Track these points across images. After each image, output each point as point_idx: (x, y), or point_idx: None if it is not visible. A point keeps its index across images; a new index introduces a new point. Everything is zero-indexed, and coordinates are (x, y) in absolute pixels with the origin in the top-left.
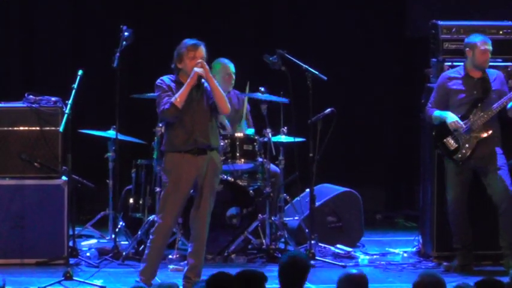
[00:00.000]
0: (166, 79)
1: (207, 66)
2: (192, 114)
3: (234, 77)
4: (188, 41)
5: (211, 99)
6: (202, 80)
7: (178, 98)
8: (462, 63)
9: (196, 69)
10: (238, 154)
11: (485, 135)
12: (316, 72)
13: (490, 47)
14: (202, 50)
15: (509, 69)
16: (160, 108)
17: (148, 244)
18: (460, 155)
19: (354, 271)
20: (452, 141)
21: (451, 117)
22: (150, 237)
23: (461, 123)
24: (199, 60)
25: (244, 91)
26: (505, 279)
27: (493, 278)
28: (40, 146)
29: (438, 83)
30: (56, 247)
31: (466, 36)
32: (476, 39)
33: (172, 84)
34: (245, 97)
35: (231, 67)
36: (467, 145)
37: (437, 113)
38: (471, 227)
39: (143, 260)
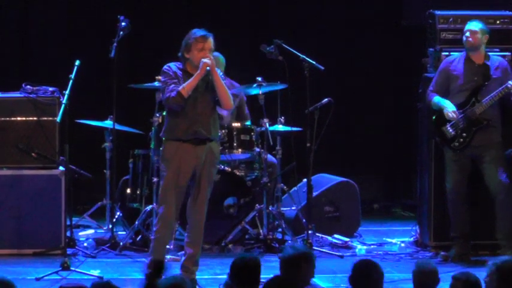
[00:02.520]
0: (173, 66)
1: (213, 61)
2: (195, 104)
3: (221, 67)
4: (197, 32)
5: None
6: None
7: (187, 87)
8: (459, 53)
9: (204, 59)
10: (235, 144)
11: (483, 123)
12: (313, 62)
13: (472, 27)
14: (210, 41)
15: (506, 58)
16: (165, 95)
17: (152, 237)
18: (457, 143)
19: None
20: (450, 130)
21: (448, 107)
22: (153, 229)
23: (457, 114)
24: (207, 55)
25: (241, 82)
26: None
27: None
28: (37, 136)
29: (440, 67)
30: (53, 237)
31: (463, 26)
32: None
33: (179, 72)
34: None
35: (219, 59)
36: (464, 134)
37: (436, 99)
38: (469, 216)
39: (149, 253)
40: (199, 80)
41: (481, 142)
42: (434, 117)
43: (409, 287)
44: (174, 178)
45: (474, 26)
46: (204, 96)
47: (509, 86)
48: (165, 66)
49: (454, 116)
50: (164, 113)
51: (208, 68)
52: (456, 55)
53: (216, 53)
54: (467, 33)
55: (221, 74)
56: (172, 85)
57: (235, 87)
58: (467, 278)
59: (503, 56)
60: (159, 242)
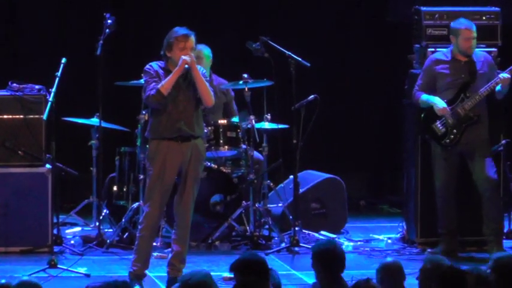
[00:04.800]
0: (155, 65)
1: (194, 58)
2: (177, 102)
3: (206, 60)
4: (179, 30)
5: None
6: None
7: (165, 84)
8: (446, 49)
9: (183, 56)
10: (221, 141)
11: (473, 120)
12: (299, 59)
13: (474, 34)
14: (192, 40)
15: (492, 54)
16: (146, 94)
17: (137, 234)
18: (448, 140)
19: (389, 259)
20: (440, 126)
21: (439, 103)
22: (139, 227)
23: (448, 110)
24: (189, 54)
25: (228, 78)
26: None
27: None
28: (24, 134)
29: (425, 66)
30: (40, 235)
31: (449, 22)
32: (460, 26)
33: (161, 71)
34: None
35: (204, 51)
36: (455, 130)
37: (424, 97)
38: (457, 213)
39: (134, 250)
40: (177, 77)
41: (470, 139)
42: (423, 115)
43: None
44: (159, 176)
45: (474, 32)
46: (185, 93)
47: (501, 78)
48: (147, 66)
49: (446, 111)
50: None
51: (187, 66)
52: (440, 52)
53: (202, 46)
54: (474, 41)
55: (203, 71)
56: (153, 84)
57: (222, 83)
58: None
59: (489, 52)
60: (144, 240)
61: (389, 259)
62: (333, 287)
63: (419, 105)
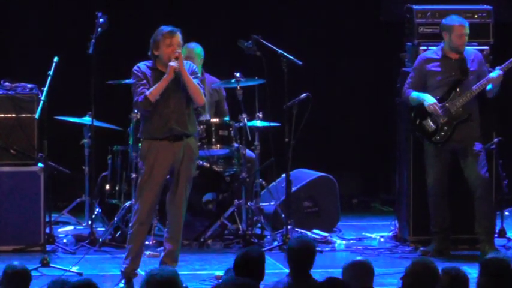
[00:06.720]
0: (142, 66)
1: (181, 55)
2: (167, 102)
3: (197, 59)
4: (164, 28)
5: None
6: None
7: (154, 91)
8: (435, 47)
9: (171, 63)
10: (214, 140)
11: (463, 117)
12: (291, 57)
13: (467, 31)
14: (178, 37)
15: (484, 52)
16: (134, 99)
17: (128, 232)
18: (438, 137)
19: (359, 258)
20: (431, 124)
21: (429, 100)
22: (130, 225)
23: (439, 106)
24: (177, 51)
25: (219, 76)
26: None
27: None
28: (16, 132)
29: (416, 64)
30: (33, 234)
31: (441, 20)
32: (453, 22)
33: (148, 71)
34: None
35: (195, 50)
36: (445, 127)
37: (414, 94)
38: (449, 211)
39: (125, 248)
40: (166, 84)
41: (461, 136)
42: (413, 113)
43: (389, 282)
44: (150, 175)
45: (467, 28)
46: (176, 93)
47: (491, 77)
48: (135, 67)
49: (436, 107)
50: None
51: (176, 71)
52: (430, 51)
53: (194, 44)
54: (467, 37)
55: (194, 67)
56: (141, 87)
57: (214, 82)
58: (457, 273)
59: (482, 51)
60: (134, 239)
61: (358, 258)
62: (301, 284)
63: (409, 102)
